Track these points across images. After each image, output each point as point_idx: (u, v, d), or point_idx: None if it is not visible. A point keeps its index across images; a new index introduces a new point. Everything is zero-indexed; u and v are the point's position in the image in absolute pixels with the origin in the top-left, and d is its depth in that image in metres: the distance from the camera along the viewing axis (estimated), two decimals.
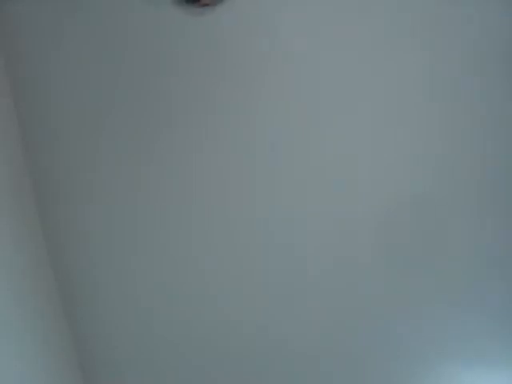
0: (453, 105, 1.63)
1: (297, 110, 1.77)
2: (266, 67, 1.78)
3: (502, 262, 1.62)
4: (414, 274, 1.70)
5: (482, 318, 1.65)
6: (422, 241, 1.69)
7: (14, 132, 2.08)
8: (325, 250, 1.78)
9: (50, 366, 1.99)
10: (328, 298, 1.80)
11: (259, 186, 1.84)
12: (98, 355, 2.10)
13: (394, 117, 1.68)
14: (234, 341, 1.93)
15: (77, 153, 2.04)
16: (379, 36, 1.66)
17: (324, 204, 1.77)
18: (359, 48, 1.68)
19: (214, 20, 1.82)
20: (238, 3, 1.78)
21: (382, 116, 1.69)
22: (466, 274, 1.65)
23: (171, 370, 2.01)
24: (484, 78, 1.59)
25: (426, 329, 1.70)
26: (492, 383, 1.65)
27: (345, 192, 1.75)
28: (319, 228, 1.79)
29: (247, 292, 1.89)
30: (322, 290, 1.81)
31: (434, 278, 1.68)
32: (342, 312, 1.79)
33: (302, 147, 1.78)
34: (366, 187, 1.73)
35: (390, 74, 1.67)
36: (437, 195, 1.66)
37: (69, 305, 2.11)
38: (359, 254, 1.75)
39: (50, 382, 1.98)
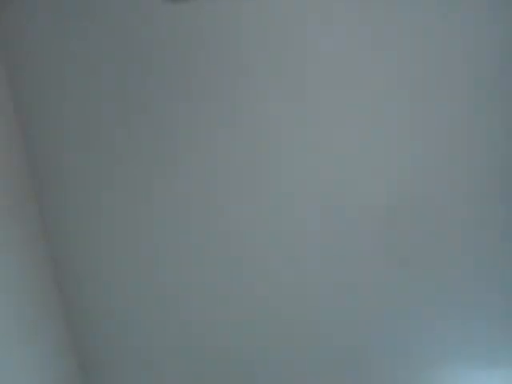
0: (452, 107, 1.63)
1: (299, 112, 1.78)
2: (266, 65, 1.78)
3: (502, 262, 1.62)
4: (414, 274, 1.70)
5: (481, 317, 1.65)
6: (421, 241, 1.69)
7: (14, 133, 2.08)
8: (325, 250, 1.79)
9: (50, 365, 1.99)
10: (328, 297, 1.80)
11: (260, 185, 1.84)
12: (98, 355, 2.10)
13: (395, 118, 1.68)
14: (233, 341, 1.93)
15: (76, 153, 2.04)
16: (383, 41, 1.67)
17: (324, 205, 1.77)
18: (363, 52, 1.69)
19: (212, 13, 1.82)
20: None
21: (383, 117, 1.69)
22: (466, 274, 1.65)
23: (171, 370, 2.01)
24: (483, 83, 1.59)
25: (426, 329, 1.70)
26: (492, 383, 1.65)
27: (345, 193, 1.75)
28: (319, 228, 1.79)
29: (246, 292, 1.89)
30: (322, 290, 1.81)
31: (434, 278, 1.68)
32: (342, 312, 1.79)
33: (303, 147, 1.78)
34: (366, 188, 1.73)
35: (392, 78, 1.67)
36: (437, 196, 1.66)
37: (69, 305, 2.11)
38: (359, 254, 1.75)
39: (50, 381, 1.98)
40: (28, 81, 2.06)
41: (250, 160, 1.83)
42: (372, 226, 1.72)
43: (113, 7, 1.93)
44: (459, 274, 1.65)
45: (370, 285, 1.74)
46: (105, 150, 2.00)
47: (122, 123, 1.96)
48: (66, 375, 2.04)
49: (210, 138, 1.87)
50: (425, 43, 1.62)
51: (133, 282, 2.02)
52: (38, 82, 2.05)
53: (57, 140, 2.05)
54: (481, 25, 1.57)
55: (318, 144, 1.75)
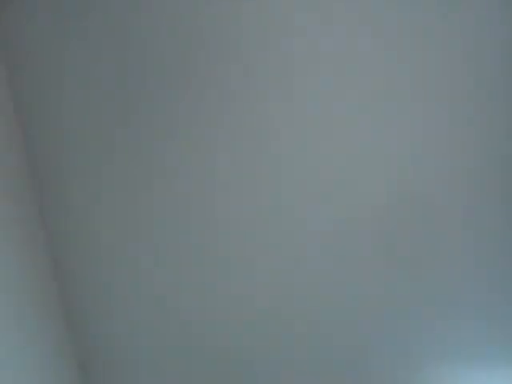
0: (452, 106, 1.63)
1: (299, 111, 1.78)
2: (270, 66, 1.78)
3: (502, 263, 1.62)
4: (414, 274, 1.70)
5: (481, 317, 1.65)
6: (421, 241, 1.69)
7: (14, 133, 2.08)
8: (325, 250, 1.79)
9: (50, 365, 1.99)
10: (328, 297, 1.80)
11: (260, 185, 1.84)
12: (98, 355, 2.10)
13: (395, 118, 1.68)
14: (233, 341, 1.93)
15: (76, 153, 2.04)
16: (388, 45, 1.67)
17: (324, 204, 1.77)
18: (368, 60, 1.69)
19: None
20: None
21: (383, 117, 1.69)
22: (466, 274, 1.65)
23: (171, 370, 2.01)
24: (484, 82, 1.59)
25: (426, 329, 1.70)
26: (492, 383, 1.65)
27: (345, 192, 1.75)
28: (319, 228, 1.79)
29: (246, 292, 1.89)
30: (322, 290, 1.81)
31: (434, 278, 1.68)
32: (342, 312, 1.79)
33: (303, 147, 1.78)
34: (366, 188, 1.73)
35: (392, 78, 1.67)
36: (437, 196, 1.66)
37: (69, 305, 2.11)
38: (359, 254, 1.75)
39: (50, 381, 1.98)
40: (28, 81, 2.06)
41: (250, 160, 1.83)
42: (372, 225, 1.73)
43: (113, 7, 1.93)
44: (459, 274, 1.65)
45: (370, 285, 1.74)
46: (105, 150, 2.00)
47: (122, 123, 1.96)
48: (66, 375, 2.04)
49: (210, 137, 1.87)
50: (425, 43, 1.62)
51: (133, 282, 2.02)
52: (38, 82, 2.06)
53: (57, 140, 2.06)
54: (481, 25, 1.57)
55: (318, 144, 1.75)
